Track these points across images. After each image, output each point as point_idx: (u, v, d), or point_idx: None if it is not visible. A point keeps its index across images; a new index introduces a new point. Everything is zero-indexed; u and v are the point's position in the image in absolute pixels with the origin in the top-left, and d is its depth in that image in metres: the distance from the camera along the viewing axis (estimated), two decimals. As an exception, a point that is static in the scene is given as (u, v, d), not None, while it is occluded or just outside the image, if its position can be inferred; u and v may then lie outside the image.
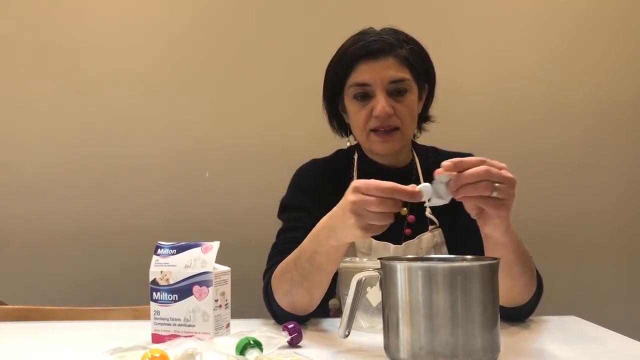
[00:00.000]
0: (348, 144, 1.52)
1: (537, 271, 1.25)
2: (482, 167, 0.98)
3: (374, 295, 1.15)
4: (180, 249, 1.12)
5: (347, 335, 1.01)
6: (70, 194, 2.07)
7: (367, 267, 1.08)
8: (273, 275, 1.26)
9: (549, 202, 2.13)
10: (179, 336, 1.06)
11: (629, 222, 2.15)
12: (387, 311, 0.96)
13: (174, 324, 1.09)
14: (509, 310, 1.21)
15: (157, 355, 0.87)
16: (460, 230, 1.39)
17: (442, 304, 0.91)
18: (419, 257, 1.20)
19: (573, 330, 1.23)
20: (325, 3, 2.12)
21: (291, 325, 1.07)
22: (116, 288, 2.02)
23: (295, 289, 1.19)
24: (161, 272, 1.11)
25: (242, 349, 0.93)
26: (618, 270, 2.15)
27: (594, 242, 2.14)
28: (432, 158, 1.51)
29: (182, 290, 1.09)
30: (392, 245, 1.37)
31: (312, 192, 1.44)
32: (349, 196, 1.03)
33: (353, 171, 1.48)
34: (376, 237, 1.36)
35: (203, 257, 1.09)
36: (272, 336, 0.98)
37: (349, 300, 1.00)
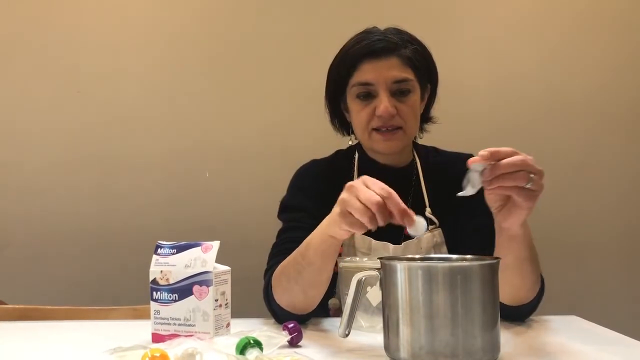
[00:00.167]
0: (350, 142, 1.52)
1: None
2: (519, 157, 0.98)
3: (374, 294, 1.15)
4: (180, 249, 1.12)
5: (347, 335, 1.01)
6: (71, 193, 2.07)
7: (367, 266, 1.08)
8: (274, 274, 1.26)
9: (550, 202, 2.11)
10: (179, 336, 1.06)
11: (630, 222, 2.15)
12: (387, 311, 0.96)
13: (174, 324, 1.09)
14: (510, 309, 1.21)
15: (157, 354, 0.87)
16: (460, 230, 1.39)
17: (442, 304, 0.91)
18: (419, 256, 1.20)
19: (574, 330, 1.23)
20: (325, 3, 2.12)
21: (291, 325, 1.07)
22: (116, 288, 2.02)
23: (291, 286, 1.20)
24: (161, 271, 1.11)
25: (242, 348, 0.93)
26: (619, 269, 2.15)
27: (594, 242, 2.14)
28: (432, 158, 1.51)
29: (182, 290, 1.09)
30: (391, 245, 1.37)
31: (312, 193, 1.44)
32: (345, 190, 1.04)
33: (353, 171, 1.48)
34: (376, 237, 1.36)
35: (203, 257, 1.09)
36: (272, 336, 0.98)
37: (349, 299, 1.00)
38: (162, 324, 1.10)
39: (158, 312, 1.11)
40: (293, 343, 1.07)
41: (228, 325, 1.12)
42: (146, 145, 2.08)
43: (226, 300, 1.11)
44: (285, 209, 1.46)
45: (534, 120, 2.13)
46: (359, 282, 1.00)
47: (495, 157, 0.98)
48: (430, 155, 1.52)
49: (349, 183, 1.05)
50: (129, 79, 2.09)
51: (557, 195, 2.12)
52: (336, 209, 1.07)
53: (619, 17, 2.16)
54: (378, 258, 1.00)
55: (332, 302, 1.35)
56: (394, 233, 1.33)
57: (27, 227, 2.06)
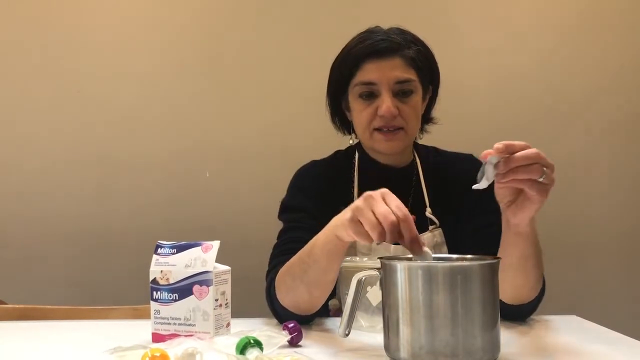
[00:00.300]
0: (351, 141, 1.52)
1: None
2: (533, 150, 0.98)
3: (374, 294, 1.15)
4: (180, 249, 1.12)
5: (347, 335, 1.01)
6: (71, 193, 2.07)
7: (367, 266, 1.08)
8: (278, 273, 1.26)
9: (550, 201, 2.12)
10: (179, 335, 1.06)
11: (630, 222, 2.15)
12: (387, 311, 0.96)
13: (174, 324, 1.09)
14: (511, 308, 1.21)
15: (158, 354, 0.87)
16: (460, 231, 1.39)
17: (442, 304, 0.91)
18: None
19: (574, 330, 1.23)
20: (325, 3, 2.12)
21: (291, 325, 1.07)
22: (116, 288, 2.02)
23: (296, 284, 1.19)
24: (161, 271, 1.11)
25: (242, 348, 0.93)
26: (619, 269, 2.15)
27: (594, 242, 2.14)
28: (432, 158, 1.51)
29: (183, 290, 1.09)
30: (392, 246, 1.37)
31: (312, 193, 1.44)
32: (362, 198, 1.03)
33: (354, 171, 1.48)
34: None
35: (203, 257, 1.09)
36: (272, 335, 0.98)
37: (349, 299, 1.00)
38: (162, 323, 1.10)
39: (158, 311, 1.11)
40: (293, 343, 1.07)
41: (228, 325, 1.12)
42: (146, 145, 2.08)
43: (226, 300, 1.11)
44: (286, 210, 1.46)
45: (534, 121, 2.13)
46: (359, 282, 1.00)
47: (510, 150, 0.98)
48: (431, 155, 1.52)
49: (368, 192, 1.03)
50: (129, 79, 2.09)
51: (558, 195, 2.11)
52: (347, 214, 1.05)
53: (620, 17, 2.16)
54: (378, 258, 1.00)
55: (332, 302, 1.35)
56: None
57: (27, 227, 2.05)
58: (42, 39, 2.08)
